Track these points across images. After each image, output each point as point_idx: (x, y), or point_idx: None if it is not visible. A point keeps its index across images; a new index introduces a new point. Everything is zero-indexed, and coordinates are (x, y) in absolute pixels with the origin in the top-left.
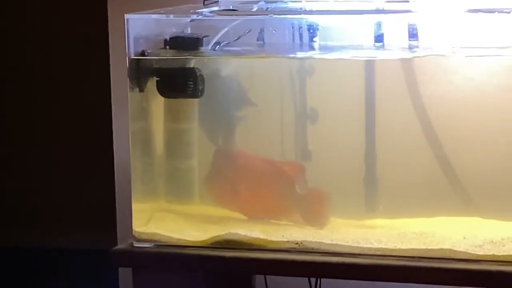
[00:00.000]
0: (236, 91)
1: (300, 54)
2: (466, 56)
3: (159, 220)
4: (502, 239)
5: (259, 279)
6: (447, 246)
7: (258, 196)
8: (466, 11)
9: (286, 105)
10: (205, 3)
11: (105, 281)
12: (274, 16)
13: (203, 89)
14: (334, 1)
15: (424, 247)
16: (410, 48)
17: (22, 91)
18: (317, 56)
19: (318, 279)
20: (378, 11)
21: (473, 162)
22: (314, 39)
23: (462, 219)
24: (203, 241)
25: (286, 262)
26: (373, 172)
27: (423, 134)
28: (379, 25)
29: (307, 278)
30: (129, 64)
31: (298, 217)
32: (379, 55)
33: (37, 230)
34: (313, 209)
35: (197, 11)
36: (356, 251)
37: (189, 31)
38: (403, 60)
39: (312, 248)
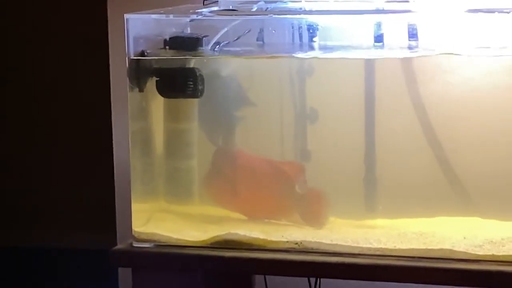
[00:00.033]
0: (235, 91)
1: (299, 54)
2: (466, 56)
3: (159, 220)
4: (502, 239)
5: (258, 279)
6: (447, 246)
7: (258, 196)
8: (466, 11)
9: (285, 105)
10: (204, 3)
11: (105, 281)
12: (273, 16)
13: (202, 89)
14: (334, 1)
15: (424, 247)
16: (410, 48)
17: (22, 91)
18: (316, 56)
19: (318, 279)
20: (378, 11)
21: (473, 162)
22: (314, 39)
23: (462, 219)
24: (203, 241)
25: (285, 262)
26: (373, 172)
27: (423, 134)
28: (379, 25)
29: (306, 278)
30: (129, 64)
31: (297, 217)
32: (379, 55)
33: (37, 230)
34: (313, 209)
35: (196, 11)
36: (356, 251)
37: (188, 31)
38: (403, 60)
39: (312, 248)
